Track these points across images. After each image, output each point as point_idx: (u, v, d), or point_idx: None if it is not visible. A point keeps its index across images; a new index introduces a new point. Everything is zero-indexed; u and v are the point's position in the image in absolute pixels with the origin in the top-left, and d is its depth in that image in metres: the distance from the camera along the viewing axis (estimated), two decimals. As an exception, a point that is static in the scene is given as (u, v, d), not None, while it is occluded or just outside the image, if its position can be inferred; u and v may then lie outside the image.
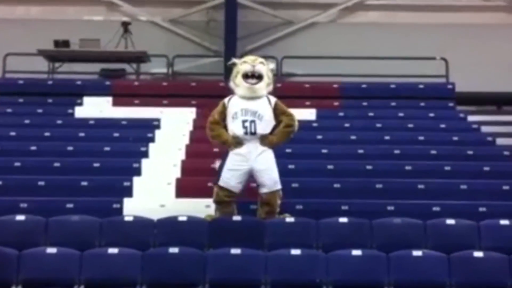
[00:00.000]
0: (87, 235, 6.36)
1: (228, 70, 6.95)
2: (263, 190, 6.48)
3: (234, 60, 6.81)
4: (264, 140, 6.51)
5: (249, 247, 6.13)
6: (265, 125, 6.52)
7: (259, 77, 6.59)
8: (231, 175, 6.44)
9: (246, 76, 6.59)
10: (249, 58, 6.76)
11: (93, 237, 6.35)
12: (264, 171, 6.46)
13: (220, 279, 5.94)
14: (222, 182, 6.46)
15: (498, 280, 5.92)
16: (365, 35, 13.71)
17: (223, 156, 6.60)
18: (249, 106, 6.52)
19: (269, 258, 6.04)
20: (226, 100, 6.66)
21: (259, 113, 6.52)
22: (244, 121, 6.48)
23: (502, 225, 6.49)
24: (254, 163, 6.45)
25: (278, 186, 6.50)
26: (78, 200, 7.06)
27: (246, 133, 6.48)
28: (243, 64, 6.65)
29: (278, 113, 6.60)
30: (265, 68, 6.67)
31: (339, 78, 11.62)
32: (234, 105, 6.56)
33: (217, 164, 6.68)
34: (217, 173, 6.54)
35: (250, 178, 6.54)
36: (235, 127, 6.50)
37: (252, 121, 6.48)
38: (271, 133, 6.55)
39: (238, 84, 6.62)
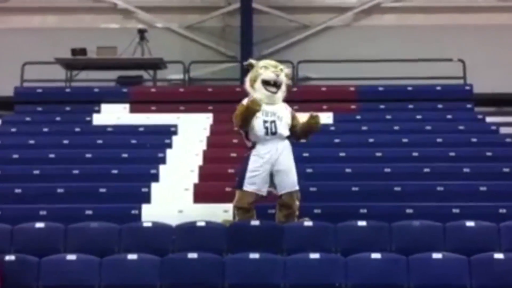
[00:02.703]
0: (106, 241, 6.38)
1: (245, 75, 6.89)
2: (282, 191, 6.46)
3: (251, 61, 6.71)
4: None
5: (268, 251, 6.12)
6: (285, 126, 6.52)
7: (279, 85, 6.57)
8: (256, 178, 6.42)
9: (268, 83, 6.53)
10: (270, 64, 6.62)
11: (112, 244, 6.37)
12: (284, 172, 6.45)
13: (239, 284, 5.93)
14: (248, 186, 6.42)
15: (520, 282, 5.86)
16: (381, 38, 13.67)
17: (242, 161, 6.59)
18: (268, 108, 6.50)
19: (287, 263, 6.02)
20: (244, 102, 6.54)
21: (278, 114, 6.52)
22: (265, 122, 6.45)
23: (523, 227, 6.43)
24: (274, 164, 6.44)
25: (296, 188, 6.49)
26: (97, 207, 7.09)
27: (267, 133, 6.46)
28: (265, 70, 6.54)
29: (295, 123, 6.62)
30: (285, 76, 6.64)
31: (356, 81, 11.59)
32: None
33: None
34: (239, 178, 6.51)
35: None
36: (255, 126, 6.45)
37: (273, 121, 6.47)
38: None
39: (257, 89, 6.54)
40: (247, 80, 6.66)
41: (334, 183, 7.66)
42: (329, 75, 12.41)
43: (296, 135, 6.67)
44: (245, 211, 6.49)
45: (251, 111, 6.37)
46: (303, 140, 7.02)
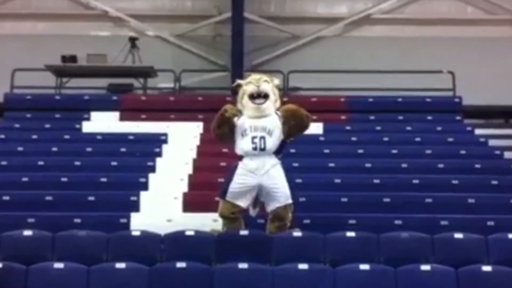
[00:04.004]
0: (94, 250, 6.34)
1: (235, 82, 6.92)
2: (276, 204, 6.43)
3: (239, 81, 6.75)
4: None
5: (256, 261, 6.10)
6: (275, 140, 6.49)
7: (265, 96, 6.56)
8: (238, 190, 6.42)
9: (252, 96, 6.54)
10: (253, 78, 6.67)
11: (100, 252, 6.33)
12: (276, 187, 6.43)
13: (227, 294, 5.92)
14: (229, 197, 6.44)
15: (507, 294, 5.87)
16: (372, 49, 13.75)
17: (230, 170, 6.59)
18: (258, 123, 6.49)
19: (276, 273, 6.01)
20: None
21: (269, 128, 6.49)
22: (253, 137, 6.44)
23: (511, 239, 6.43)
24: (263, 179, 6.42)
25: (290, 200, 6.48)
26: (85, 215, 7.06)
27: (255, 148, 6.44)
28: (248, 85, 6.59)
29: (285, 120, 6.51)
30: (271, 85, 6.62)
31: (346, 92, 11.63)
32: (244, 123, 6.53)
33: None
34: (223, 187, 6.52)
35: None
36: (244, 143, 6.47)
37: (262, 137, 6.45)
38: (278, 151, 6.52)
39: (245, 105, 6.57)
40: (238, 100, 6.67)
41: (324, 194, 7.68)
42: (319, 86, 12.44)
43: (291, 128, 6.54)
44: (230, 220, 6.49)
45: (223, 117, 6.46)
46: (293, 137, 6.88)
